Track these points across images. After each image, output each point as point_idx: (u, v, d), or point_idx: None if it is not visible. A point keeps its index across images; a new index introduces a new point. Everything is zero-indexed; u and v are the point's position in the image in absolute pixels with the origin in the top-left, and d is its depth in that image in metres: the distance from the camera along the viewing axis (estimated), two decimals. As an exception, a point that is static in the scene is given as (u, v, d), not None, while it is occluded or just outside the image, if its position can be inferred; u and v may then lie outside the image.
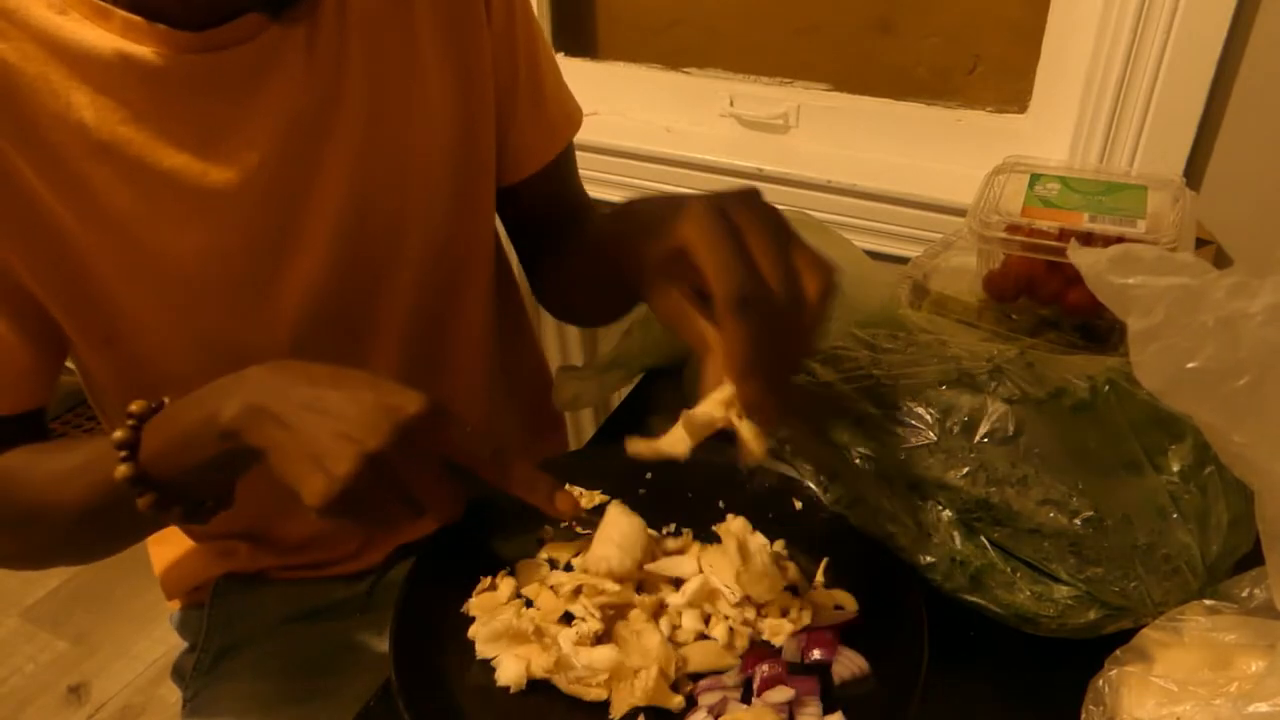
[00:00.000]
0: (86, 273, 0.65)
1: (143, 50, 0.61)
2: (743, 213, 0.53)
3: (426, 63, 0.74)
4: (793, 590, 0.65)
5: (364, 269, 0.75)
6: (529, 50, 0.82)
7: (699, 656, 0.60)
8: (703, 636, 0.61)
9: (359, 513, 0.54)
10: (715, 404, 0.54)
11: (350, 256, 0.73)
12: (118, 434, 0.59)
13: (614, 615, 0.62)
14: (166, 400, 0.61)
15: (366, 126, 0.71)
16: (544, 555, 0.69)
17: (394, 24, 0.72)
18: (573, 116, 0.88)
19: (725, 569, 0.63)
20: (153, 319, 0.68)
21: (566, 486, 0.72)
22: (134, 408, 0.60)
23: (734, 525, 0.66)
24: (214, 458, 0.57)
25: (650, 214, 0.60)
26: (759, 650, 0.61)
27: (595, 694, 0.58)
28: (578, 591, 0.63)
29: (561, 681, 0.59)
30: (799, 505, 0.70)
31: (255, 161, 0.66)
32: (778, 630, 0.61)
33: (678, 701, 0.57)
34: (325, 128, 0.69)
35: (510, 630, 0.60)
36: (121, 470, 0.59)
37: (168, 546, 0.90)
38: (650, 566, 0.63)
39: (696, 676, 0.60)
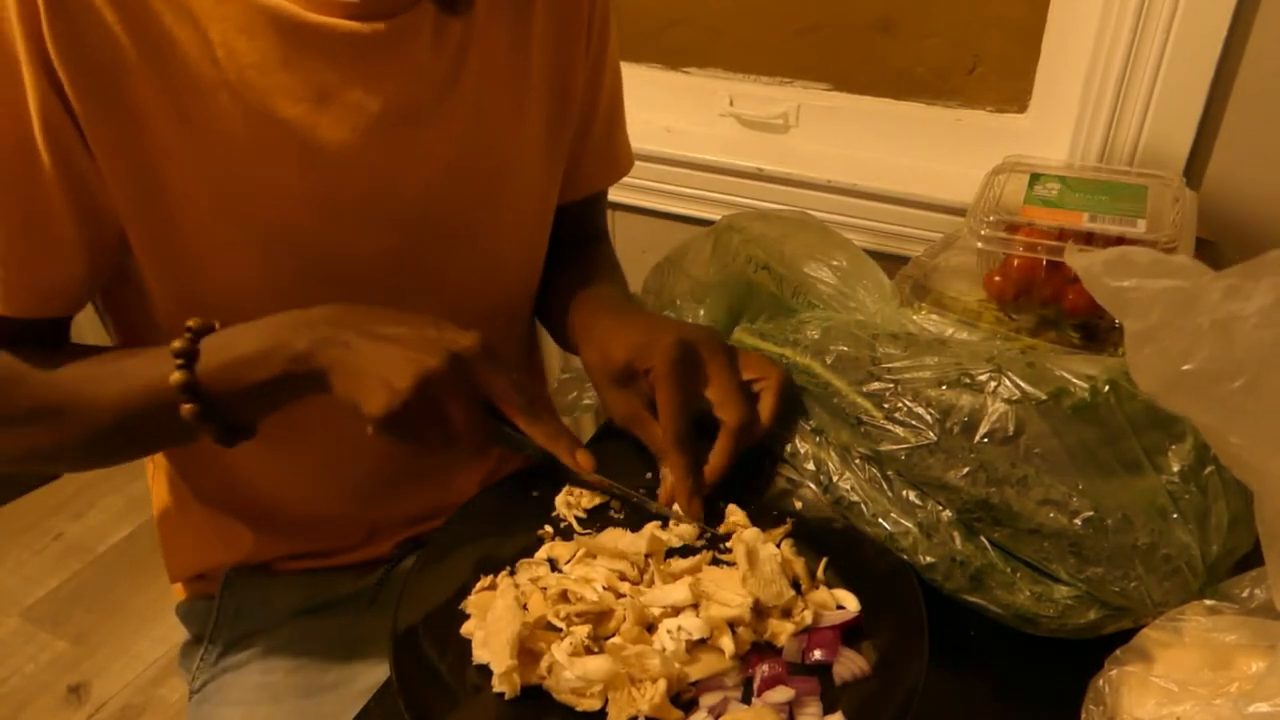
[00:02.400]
0: (175, 201, 0.67)
1: (284, 3, 0.64)
2: (704, 348, 0.70)
3: (531, 84, 0.78)
4: (796, 586, 0.65)
5: (430, 263, 0.77)
6: (614, 85, 0.88)
7: (700, 669, 0.60)
8: (702, 641, 0.60)
9: (409, 430, 0.60)
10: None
11: (421, 248, 0.76)
12: (176, 344, 0.63)
13: (596, 621, 0.61)
14: (218, 324, 0.65)
15: (467, 130, 0.75)
16: (543, 555, 0.69)
17: (512, 34, 0.76)
18: (629, 158, 0.96)
19: (727, 585, 0.63)
20: (229, 253, 0.70)
21: (566, 488, 0.72)
22: (191, 323, 0.64)
23: (746, 535, 0.67)
24: (276, 378, 0.62)
25: (607, 325, 0.76)
26: (760, 650, 0.61)
27: (588, 704, 0.58)
28: (564, 596, 0.63)
29: (555, 691, 0.59)
30: (799, 505, 0.71)
31: (361, 130, 0.69)
32: (779, 630, 0.61)
33: (677, 716, 0.57)
34: (430, 119, 0.73)
35: (500, 639, 0.60)
36: (176, 377, 0.62)
37: (175, 522, 0.91)
38: (644, 599, 0.62)
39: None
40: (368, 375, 0.59)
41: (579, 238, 0.95)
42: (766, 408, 0.71)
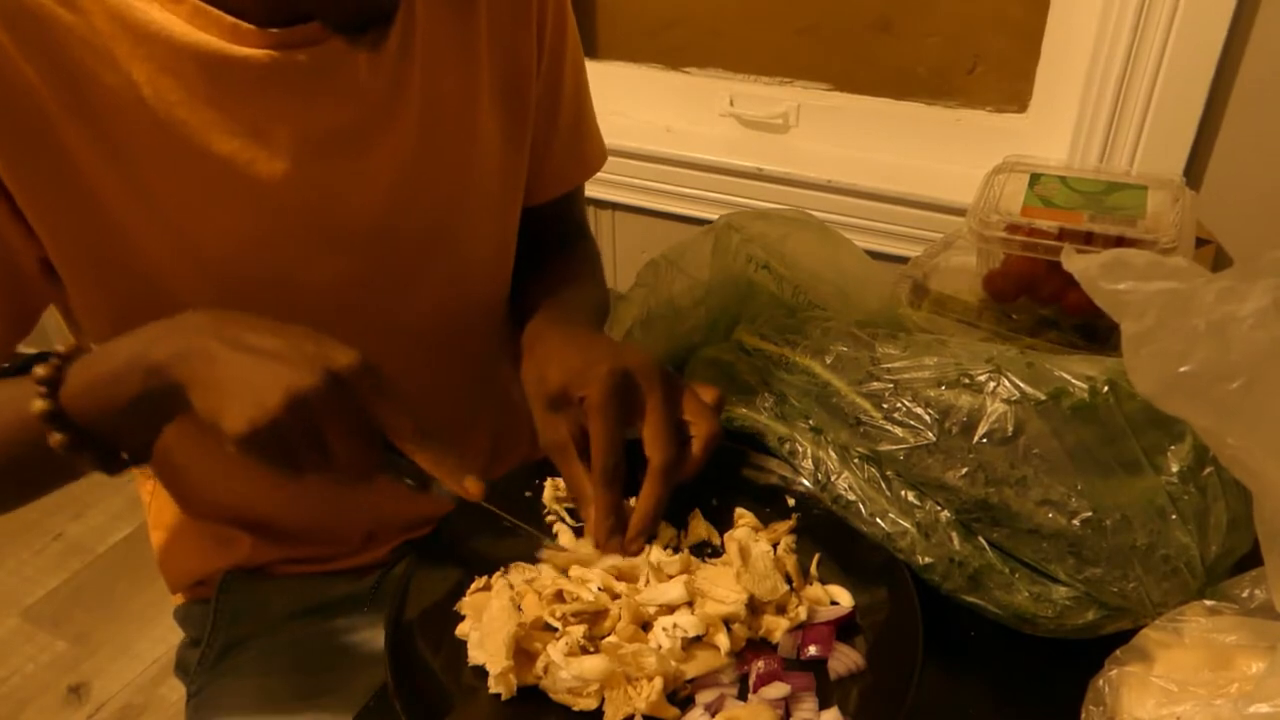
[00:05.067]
0: (121, 245, 0.65)
1: (208, 38, 0.62)
2: (641, 378, 0.65)
3: (481, 90, 0.76)
4: (788, 581, 0.65)
5: (391, 279, 0.76)
6: (577, 82, 0.86)
7: (696, 667, 0.59)
8: (698, 639, 0.60)
9: (277, 452, 0.54)
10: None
11: (380, 265, 0.75)
12: (39, 370, 0.59)
13: (592, 621, 0.61)
14: (94, 345, 0.61)
15: (416, 145, 0.73)
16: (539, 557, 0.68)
17: (456, 51, 0.74)
18: (602, 149, 0.93)
19: (721, 582, 0.62)
20: (180, 297, 0.68)
21: (549, 479, 0.72)
22: (60, 348, 0.60)
23: (738, 533, 0.67)
24: (138, 396, 0.57)
25: (558, 341, 0.72)
26: (755, 647, 0.61)
27: (585, 704, 0.58)
28: (559, 596, 0.63)
29: (551, 690, 0.59)
30: (792, 502, 0.70)
31: (302, 159, 0.67)
32: (774, 626, 0.61)
33: (674, 714, 0.57)
34: (375, 139, 0.71)
35: (496, 639, 0.60)
36: (38, 405, 0.58)
37: (169, 534, 0.90)
38: (639, 597, 0.62)
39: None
40: (231, 389, 0.54)
41: (558, 237, 0.93)
42: (693, 461, 0.66)
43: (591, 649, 0.59)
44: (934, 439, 0.64)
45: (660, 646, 0.59)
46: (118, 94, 0.61)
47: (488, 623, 0.60)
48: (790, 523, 0.69)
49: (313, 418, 0.54)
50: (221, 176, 0.65)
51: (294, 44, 0.64)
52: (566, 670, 0.57)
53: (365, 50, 0.65)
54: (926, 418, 0.64)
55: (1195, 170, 1.09)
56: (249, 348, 0.55)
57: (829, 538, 0.67)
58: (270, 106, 0.65)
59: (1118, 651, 0.56)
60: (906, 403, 0.65)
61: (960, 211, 1.06)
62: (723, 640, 0.60)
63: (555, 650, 0.59)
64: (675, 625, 0.60)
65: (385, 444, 0.59)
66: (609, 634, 0.60)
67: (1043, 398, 0.62)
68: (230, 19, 0.62)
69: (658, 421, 0.65)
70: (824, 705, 0.57)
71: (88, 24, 0.60)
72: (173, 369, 0.55)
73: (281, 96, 0.65)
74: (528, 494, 0.73)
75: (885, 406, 0.66)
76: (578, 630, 0.60)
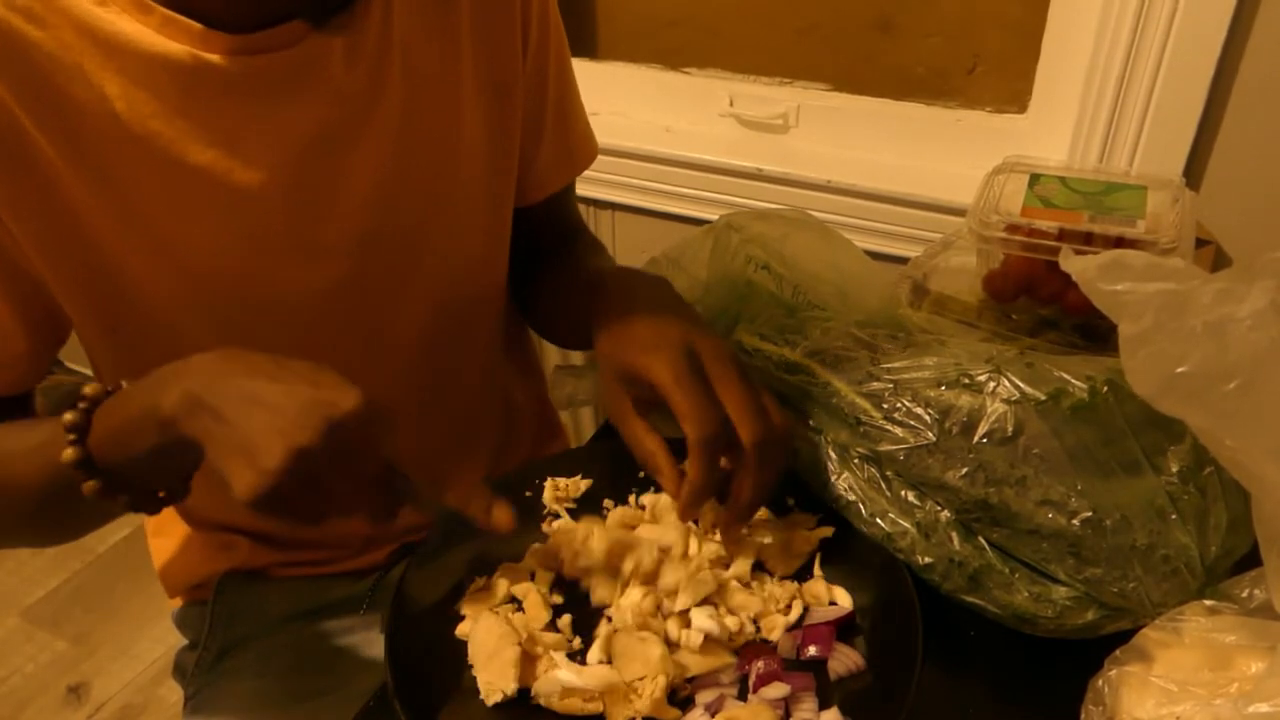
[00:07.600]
0: (103, 258, 0.65)
1: (179, 48, 0.61)
2: (713, 362, 0.61)
3: (464, 85, 0.75)
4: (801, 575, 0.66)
5: (381, 282, 0.75)
6: (560, 78, 0.84)
7: (698, 663, 0.60)
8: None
9: (289, 509, 0.53)
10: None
11: (368, 269, 0.74)
12: (68, 416, 0.58)
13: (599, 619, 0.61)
14: (124, 384, 0.60)
15: (398, 143, 0.72)
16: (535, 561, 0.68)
17: (437, 46, 0.73)
18: (590, 145, 0.91)
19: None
20: (165, 309, 0.68)
21: (549, 479, 0.72)
22: (87, 390, 0.59)
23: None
24: (156, 447, 0.56)
25: (622, 316, 0.67)
26: (755, 646, 0.61)
27: (589, 709, 0.58)
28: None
29: (552, 700, 0.58)
30: (792, 502, 0.70)
31: (281, 165, 0.66)
32: (774, 626, 0.61)
33: (674, 714, 0.57)
34: (355, 140, 0.70)
35: (497, 642, 0.60)
36: (68, 454, 0.58)
37: (168, 540, 0.90)
38: (638, 531, 0.63)
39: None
40: (235, 453, 0.52)
41: (556, 236, 0.93)
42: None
43: (600, 655, 0.59)
44: (934, 439, 0.64)
45: (667, 637, 0.59)
46: (90, 108, 0.60)
47: (486, 646, 0.60)
48: (814, 520, 0.69)
49: (318, 473, 0.52)
50: (199, 187, 0.64)
51: (266, 48, 0.63)
52: (571, 679, 0.57)
53: (338, 36, 0.64)
54: (926, 418, 0.64)
55: (1195, 170, 1.08)
56: (249, 398, 0.53)
57: (831, 537, 0.68)
58: (245, 113, 0.64)
59: (1118, 651, 0.56)
60: (906, 403, 0.65)
61: (960, 211, 1.07)
62: (730, 620, 0.60)
63: (560, 668, 0.58)
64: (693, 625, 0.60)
65: (404, 478, 0.57)
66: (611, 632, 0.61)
67: (1042, 398, 0.62)
68: (200, 26, 0.61)
69: (736, 398, 0.60)
70: (824, 705, 0.58)
71: (56, 39, 0.59)
72: (181, 424, 0.54)
73: (256, 102, 0.65)
74: (528, 494, 0.73)
75: (885, 406, 0.66)
76: (576, 642, 0.60)
